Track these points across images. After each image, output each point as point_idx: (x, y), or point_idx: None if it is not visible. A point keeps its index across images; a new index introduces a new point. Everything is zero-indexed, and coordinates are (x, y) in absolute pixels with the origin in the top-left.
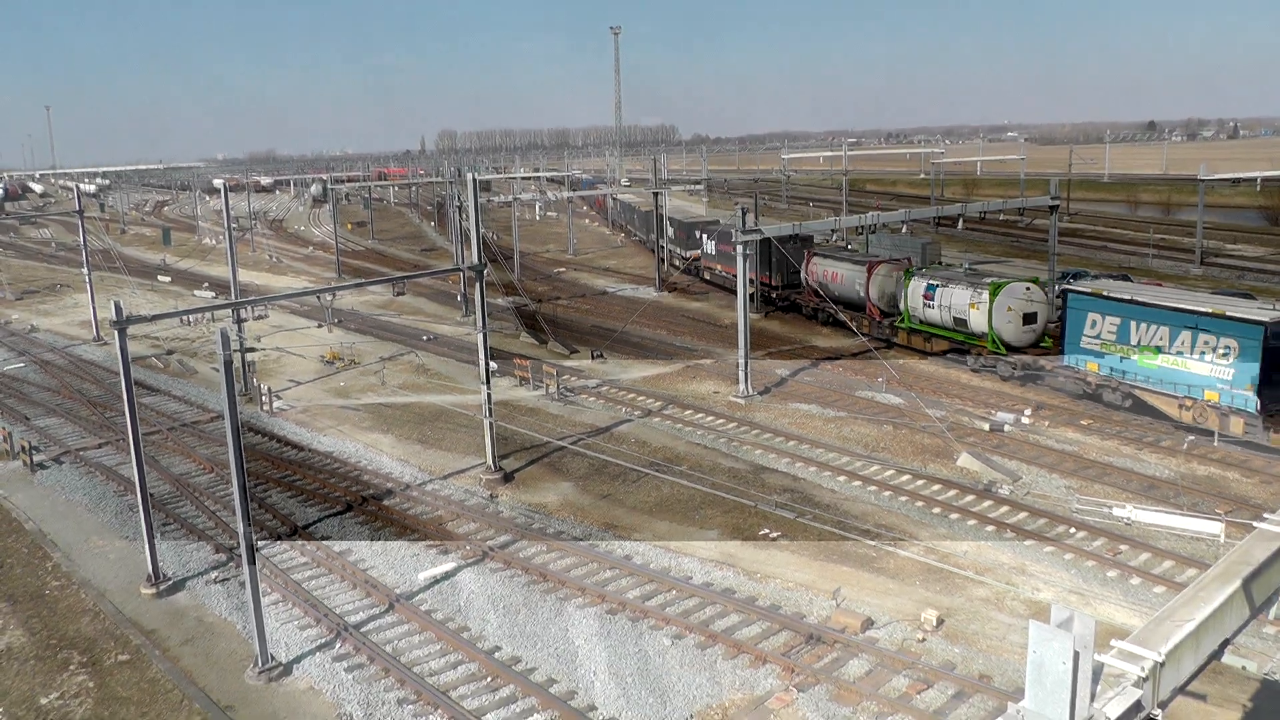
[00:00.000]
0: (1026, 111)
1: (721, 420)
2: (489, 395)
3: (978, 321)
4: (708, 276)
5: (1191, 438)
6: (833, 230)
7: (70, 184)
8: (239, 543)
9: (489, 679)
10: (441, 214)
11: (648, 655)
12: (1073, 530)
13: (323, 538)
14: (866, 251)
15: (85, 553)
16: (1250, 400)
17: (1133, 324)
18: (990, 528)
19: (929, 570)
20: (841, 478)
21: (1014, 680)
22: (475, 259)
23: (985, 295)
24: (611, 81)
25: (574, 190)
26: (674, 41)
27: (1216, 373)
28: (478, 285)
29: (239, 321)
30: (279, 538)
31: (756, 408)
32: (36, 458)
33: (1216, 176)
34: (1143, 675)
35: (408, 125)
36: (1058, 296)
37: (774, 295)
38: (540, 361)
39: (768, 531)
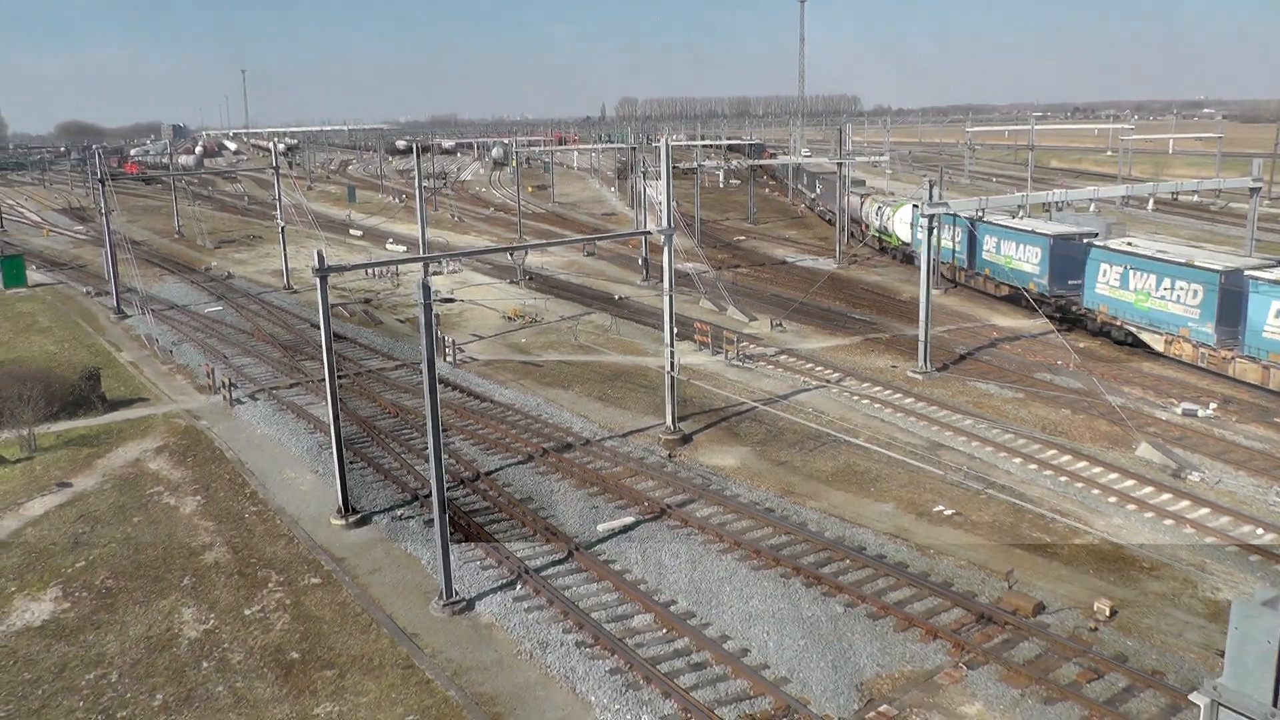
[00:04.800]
0: (1226, 86)
1: (899, 395)
2: (672, 353)
3: (890, 228)
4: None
5: None
6: (1019, 206)
7: (262, 143)
8: (429, 482)
9: (664, 630)
10: (623, 179)
11: (820, 621)
12: (1260, 530)
13: (504, 484)
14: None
15: (279, 483)
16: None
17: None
18: (1169, 521)
19: (1104, 560)
20: (1018, 460)
21: (1188, 678)
22: (665, 223)
23: (890, 211)
24: (795, 51)
25: (755, 159)
26: (858, 11)
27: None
28: (666, 249)
29: (432, 275)
30: (462, 482)
31: (934, 384)
32: (235, 394)
33: None
34: None
35: (588, 92)
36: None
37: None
38: (720, 328)
39: (942, 509)
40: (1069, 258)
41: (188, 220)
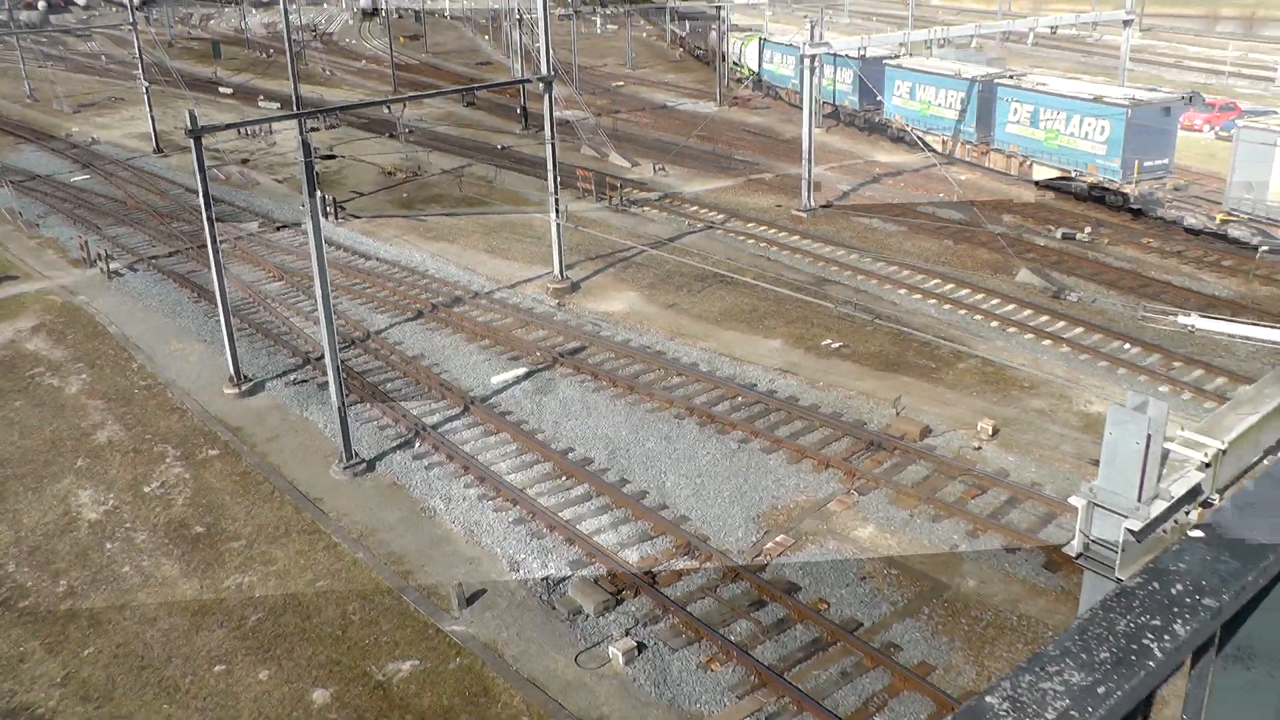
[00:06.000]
0: None
1: (784, 233)
2: (556, 201)
3: (742, 59)
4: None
5: (1265, 248)
6: (900, 44)
7: None
8: (320, 345)
9: (564, 478)
10: (497, 28)
11: (715, 458)
12: (1127, 346)
13: (395, 343)
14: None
15: (167, 355)
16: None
17: (776, 54)
18: (1046, 342)
19: (986, 381)
20: (902, 290)
21: (1064, 488)
22: (545, 70)
23: (742, 45)
24: None
25: (633, 2)
26: None
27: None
28: (546, 97)
29: (310, 131)
30: (353, 343)
31: (819, 221)
32: (112, 265)
33: None
34: (1205, 461)
35: None
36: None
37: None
38: (603, 174)
39: (830, 342)
40: (873, 78)
41: (39, 83)
